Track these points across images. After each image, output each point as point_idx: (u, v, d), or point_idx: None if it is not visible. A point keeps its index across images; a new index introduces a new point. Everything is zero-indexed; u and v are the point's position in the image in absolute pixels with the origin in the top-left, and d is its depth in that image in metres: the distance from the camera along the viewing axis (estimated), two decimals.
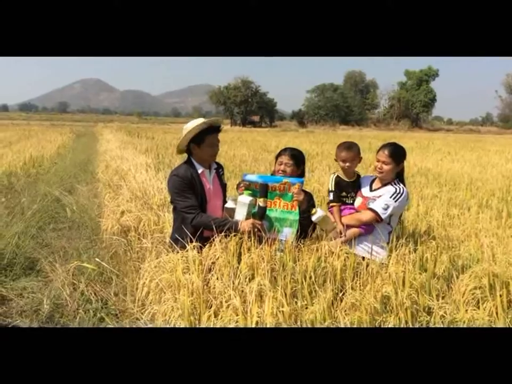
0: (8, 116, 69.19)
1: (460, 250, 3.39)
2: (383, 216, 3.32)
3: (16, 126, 31.84)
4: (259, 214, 3.35)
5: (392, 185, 3.43)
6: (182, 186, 3.30)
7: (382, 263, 3.07)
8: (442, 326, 2.41)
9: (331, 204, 3.54)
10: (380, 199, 3.38)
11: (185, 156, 3.54)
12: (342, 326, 2.27)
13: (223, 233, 3.08)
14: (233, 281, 2.49)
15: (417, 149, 15.27)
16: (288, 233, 3.31)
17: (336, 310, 2.43)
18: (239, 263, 2.86)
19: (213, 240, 3.08)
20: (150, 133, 23.55)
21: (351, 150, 3.50)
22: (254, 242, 2.97)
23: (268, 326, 2.02)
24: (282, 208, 3.42)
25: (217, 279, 2.65)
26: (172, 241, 3.32)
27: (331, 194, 3.56)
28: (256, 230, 3.10)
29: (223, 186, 3.66)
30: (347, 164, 3.49)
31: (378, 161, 3.42)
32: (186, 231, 3.12)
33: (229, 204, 3.42)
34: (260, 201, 3.36)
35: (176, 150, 3.51)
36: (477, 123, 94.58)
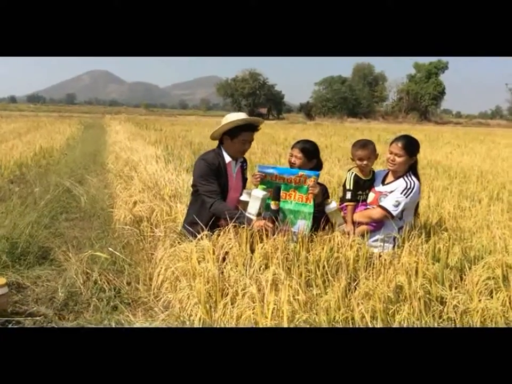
0: (16, 107, 69.41)
1: (472, 241, 3.40)
2: (394, 213, 3.31)
3: (25, 117, 31.94)
4: (271, 217, 3.34)
5: (404, 179, 3.41)
6: (208, 171, 3.36)
7: (394, 253, 3.08)
8: (455, 316, 2.43)
9: (347, 203, 3.51)
10: (391, 195, 3.37)
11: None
12: (357, 314, 2.29)
13: (235, 224, 3.11)
14: (248, 270, 2.51)
15: (426, 142, 15.15)
16: (302, 225, 3.33)
17: (350, 299, 2.45)
18: (252, 252, 2.89)
19: (226, 229, 3.11)
20: (157, 125, 23.58)
21: (366, 148, 3.48)
22: (265, 236, 3.00)
23: (284, 313, 2.04)
24: (297, 201, 3.44)
25: (231, 269, 2.68)
26: (186, 225, 3.36)
27: (348, 193, 3.51)
28: (266, 232, 3.10)
29: (244, 181, 3.70)
30: (364, 162, 3.48)
31: (391, 153, 3.40)
32: (204, 215, 3.17)
33: (243, 197, 3.45)
34: (272, 204, 3.37)
35: (210, 136, 3.57)
36: (486, 116, 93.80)
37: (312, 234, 3.25)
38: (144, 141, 11.36)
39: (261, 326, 2.04)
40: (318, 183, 3.46)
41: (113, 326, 2.66)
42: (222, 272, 2.64)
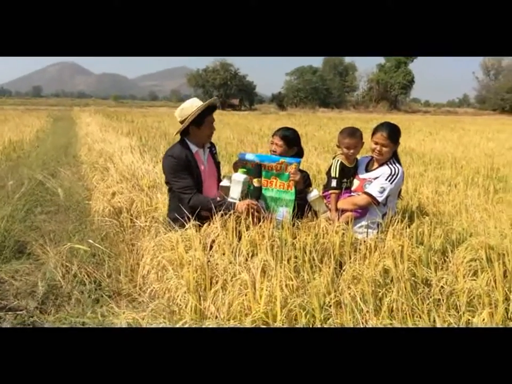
0: None
1: (452, 225, 3.46)
2: (379, 199, 3.32)
3: None
4: (254, 195, 3.35)
5: (388, 165, 3.41)
6: (177, 167, 3.28)
7: (378, 238, 3.10)
8: (441, 297, 2.46)
9: (332, 191, 3.49)
10: (376, 182, 3.37)
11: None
12: (346, 299, 2.29)
13: (220, 213, 3.07)
14: (236, 258, 2.49)
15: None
16: (284, 213, 3.33)
17: (339, 284, 2.46)
18: (239, 240, 2.87)
19: (211, 219, 3.08)
20: (129, 116, 23.21)
21: (354, 136, 3.47)
22: (252, 221, 2.98)
23: (277, 298, 2.03)
24: (278, 188, 3.42)
25: (218, 258, 2.65)
26: (170, 220, 3.31)
27: (334, 181, 3.48)
28: (252, 210, 3.10)
29: (217, 165, 3.66)
30: (351, 151, 3.46)
31: (376, 143, 3.39)
32: (185, 210, 3.10)
33: (224, 183, 3.41)
34: (255, 182, 3.37)
35: (177, 133, 3.48)
36: (454, 105, 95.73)
37: (297, 221, 3.25)
38: (116, 133, 11.15)
39: (253, 312, 2.02)
40: (300, 170, 3.45)
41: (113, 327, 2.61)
42: (209, 261, 2.61)
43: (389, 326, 2.13)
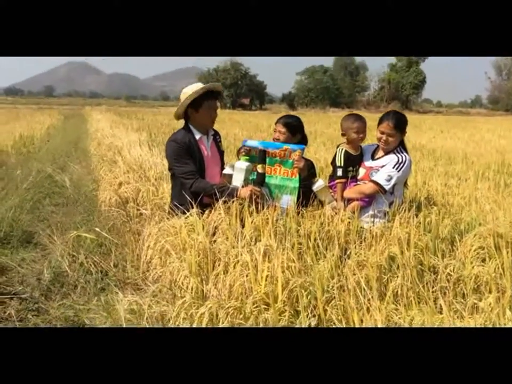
0: None
1: (461, 215, 3.40)
2: (386, 188, 3.27)
3: (3, 109, 31.26)
4: (258, 181, 3.32)
5: (395, 153, 3.37)
6: (180, 152, 3.27)
7: (385, 226, 3.06)
8: (447, 284, 2.42)
9: (338, 180, 3.44)
10: (383, 169, 3.33)
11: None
12: (350, 284, 2.26)
13: (222, 199, 3.05)
14: (239, 242, 2.46)
15: (409, 127, 15.06)
16: (287, 200, 3.29)
17: (343, 269, 2.42)
18: (242, 227, 2.84)
19: (213, 206, 3.05)
20: (139, 115, 23.31)
21: (361, 120, 3.44)
22: (254, 208, 2.95)
23: (278, 280, 2.01)
24: (282, 175, 3.39)
25: (221, 243, 2.63)
26: (171, 207, 3.29)
27: (339, 170, 3.44)
28: (255, 196, 3.07)
29: (221, 154, 3.64)
30: (361, 135, 3.43)
31: (382, 133, 3.35)
32: (187, 196, 3.09)
33: (227, 170, 3.39)
34: (259, 168, 3.33)
35: (175, 116, 3.47)
36: (466, 105, 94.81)
37: (302, 210, 3.21)
38: (126, 129, 11.19)
39: (254, 293, 1.99)
40: (304, 158, 3.41)
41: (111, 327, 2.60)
42: (212, 245, 2.59)
43: (394, 311, 2.10)
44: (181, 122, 3.59)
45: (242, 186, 3.16)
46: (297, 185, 3.34)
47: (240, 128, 14.15)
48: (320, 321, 1.91)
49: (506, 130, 14.27)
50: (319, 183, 3.39)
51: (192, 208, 2.99)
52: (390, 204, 3.26)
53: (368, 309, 1.95)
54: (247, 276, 2.06)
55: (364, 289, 2.11)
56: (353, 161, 3.47)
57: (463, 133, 12.93)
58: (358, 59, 76.21)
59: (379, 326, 1.80)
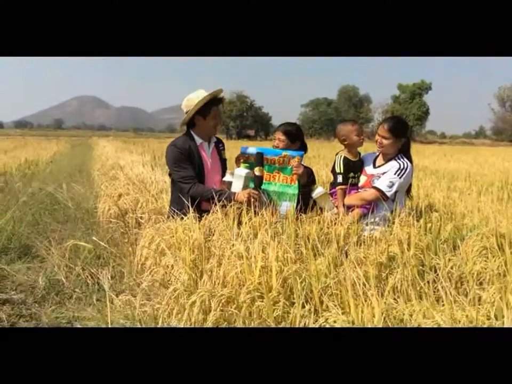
0: (3, 132, 69.18)
1: (464, 221, 3.34)
2: (388, 194, 3.25)
3: (12, 139, 31.73)
4: (255, 183, 3.30)
5: (396, 160, 3.37)
6: (179, 156, 3.27)
7: (385, 231, 3.01)
8: (449, 283, 2.34)
9: (339, 187, 3.42)
10: (384, 176, 3.31)
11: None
12: (349, 280, 2.19)
13: (220, 203, 3.01)
14: (235, 237, 2.41)
15: (412, 153, 15.18)
16: (287, 207, 3.25)
17: (342, 266, 2.35)
18: (239, 229, 2.79)
19: (211, 211, 3.02)
20: (145, 144, 23.55)
21: (358, 123, 3.52)
22: (253, 211, 2.91)
23: (273, 270, 1.95)
24: (281, 182, 3.36)
25: (217, 240, 2.58)
26: (170, 212, 3.26)
27: (340, 176, 3.43)
28: (253, 200, 3.04)
29: (223, 161, 3.62)
30: (361, 138, 3.46)
31: (379, 135, 3.38)
32: (185, 201, 3.06)
33: (227, 178, 3.38)
34: (256, 170, 3.32)
35: (182, 122, 3.48)
36: (470, 136, 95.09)
37: (301, 215, 3.16)
38: (130, 152, 11.27)
39: (248, 283, 1.93)
40: (303, 166, 3.40)
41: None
42: (206, 243, 2.54)
43: (393, 306, 2.02)
44: None
45: None
46: (296, 191, 3.31)
47: None
48: (316, 310, 1.84)
49: (510, 155, 14.27)
50: (319, 190, 3.36)
51: (190, 212, 2.96)
52: (391, 211, 3.22)
53: (366, 299, 1.88)
54: (241, 266, 2.00)
55: (363, 283, 2.04)
56: (353, 167, 3.46)
57: (467, 157, 12.92)
58: (362, 92, 77.15)
59: (376, 314, 1.73)
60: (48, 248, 3.77)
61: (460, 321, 1.82)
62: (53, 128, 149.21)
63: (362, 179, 3.49)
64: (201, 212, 3.13)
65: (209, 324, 1.80)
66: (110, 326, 2.27)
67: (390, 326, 1.79)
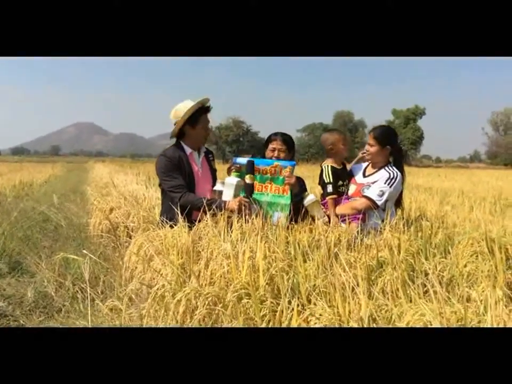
0: (0, 158, 69.45)
1: (455, 229, 3.33)
2: (379, 203, 3.25)
3: (7, 164, 31.77)
4: (246, 192, 3.29)
5: (385, 169, 3.38)
6: (169, 166, 3.27)
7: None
8: (440, 286, 2.31)
9: (330, 197, 3.41)
10: (375, 185, 3.32)
11: None
12: (338, 282, 2.17)
13: (211, 212, 2.99)
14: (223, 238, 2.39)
15: (407, 174, 15.23)
16: (279, 217, 3.24)
17: (331, 269, 2.33)
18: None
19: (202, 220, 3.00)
20: (142, 167, 23.61)
21: (343, 132, 3.56)
22: (244, 219, 2.89)
23: (260, 269, 1.92)
24: (273, 193, 3.35)
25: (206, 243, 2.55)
26: (160, 221, 3.24)
27: (329, 186, 3.42)
28: (243, 207, 3.03)
29: (213, 171, 3.62)
30: (347, 146, 3.50)
31: (367, 144, 3.43)
32: (176, 210, 3.04)
33: (217, 187, 3.37)
34: (247, 178, 3.30)
35: (172, 133, 3.48)
36: (465, 160, 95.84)
37: (293, 224, 3.15)
38: (125, 174, 11.27)
39: (236, 282, 1.90)
40: (295, 176, 3.39)
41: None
42: (194, 248, 2.51)
43: (384, 306, 2.00)
44: None
45: None
46: (289, 202, 3.29)
47: None
48: (303, 305, 1.81)
49: (504, 176, 14.37)
50: (310, 197, 3.36)
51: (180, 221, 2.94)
52: (382, 221, 3.21)
53: (353, 297, 1.85)
54: (228, 265, 1.98)
55: (352, 282, 2.01)
56: (340, 175, 3.48)
57: (461, 177, 12.99)
58: (357, 117, 77.88)
59: (363, 308, 1.70)
60: (38, 263, 3.75)
61: (449, 320, 1.79)
62: (50, 154, 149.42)
63: (352, 188, 3.49)
64: (191, 221, 3.11)
65: (195, 323, 1.77)
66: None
67: (378, 322, 1.75)
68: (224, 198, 3.20)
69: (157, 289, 1.84)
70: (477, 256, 2.57)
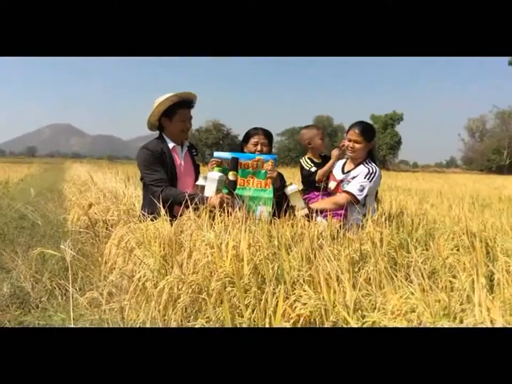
0: None
1: (435, 225, 3.36)
2: (359, 198, 3.28)
3: None
4: (229, 188, 3.27)
5: (364, 165, 3.42)
6: (151, 159, 3.22)
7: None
8: (423, 278, 2.32)
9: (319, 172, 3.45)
10: (355, 180, 3.35)
11: None
12: (321, 274, 2.16)
13: (193, 206, 2.96)
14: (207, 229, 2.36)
15: (385, 176, 15.54)
16: (262, 211, 3.23)
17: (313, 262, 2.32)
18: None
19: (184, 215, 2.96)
20: (120, 168, 23.34)
21: (320, 127, 3.63)
22: (225, 215, 2.87)
23: (244, 260, 1.90)
24: (256, 187, 3.34)
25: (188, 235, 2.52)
26: (141, 215, 3.19)
27: (312, 169, 3.48)
28: (225, 204, 3.00)
29: (196, 166, 3.59)
30: (323, 141, 3.53)
31: (349, 140, 3.41)
32: (157, 203, 2.99)
33: (199, 181, 3.34)
34: (230, 175, 3.29)
35: (148, 125, 3.44)
36: (441, 166, 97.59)
37: (275, 219, 3.14)
38: (104, 173, 11.10)
39: (220, 270, 1.87)
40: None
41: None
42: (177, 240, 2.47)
43: (368, 295, 1.99)
44: None
45: None
46: (271, 195, 3.28)
47: None
48: (287, 293, 1.78)
49: (480, 179, 14.67)
50: (292, 187, 3.37)
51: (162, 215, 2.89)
52: (364, 216, 3.23)
53: (338, 284, 1.84)
54: (212, 254, 1.95)
55: (336, 271, 2.01)
56: (318, 166, 3.51)
57: (439, 180, 13.20)
58: (336, 121, 78.59)
59: (348, 293, 1.69)
60: (14, 259, 3.66)
61: (433, 307, 1.79)
62: (25, 155, 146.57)
63: (332, 184, 3.51)
64: (173, 216, 3.06)
65: (178, 312, 1.73)
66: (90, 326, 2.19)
67: (364, 308, 1.75)
68: (206, 193, 3.17)
69: (139, 278, 1.80)
70: (458, 249, 2.59)
